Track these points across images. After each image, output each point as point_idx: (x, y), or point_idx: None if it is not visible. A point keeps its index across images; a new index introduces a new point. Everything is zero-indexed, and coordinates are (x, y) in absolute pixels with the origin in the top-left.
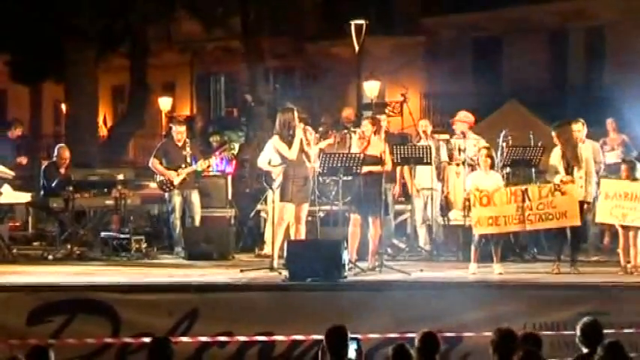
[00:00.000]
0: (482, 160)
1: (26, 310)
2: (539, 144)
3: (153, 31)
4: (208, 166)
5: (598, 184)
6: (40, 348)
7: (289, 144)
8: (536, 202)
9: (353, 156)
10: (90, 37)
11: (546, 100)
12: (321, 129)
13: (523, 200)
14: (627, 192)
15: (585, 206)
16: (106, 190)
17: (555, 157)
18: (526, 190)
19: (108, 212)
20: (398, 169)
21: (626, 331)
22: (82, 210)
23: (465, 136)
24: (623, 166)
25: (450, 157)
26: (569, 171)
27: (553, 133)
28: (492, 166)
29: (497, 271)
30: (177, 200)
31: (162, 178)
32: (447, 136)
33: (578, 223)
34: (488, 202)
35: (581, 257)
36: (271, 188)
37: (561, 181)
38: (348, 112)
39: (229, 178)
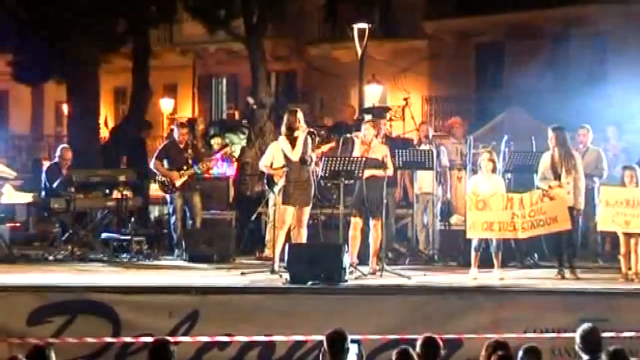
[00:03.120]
0: (485, 164)
1: (27, 310)
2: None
3: (155, 32)
4: (209, 169)
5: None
6: (41, 348)
7: (293, 145)
8: (527, 210)
9: (355, 159)
10: (92, 38)
11: (548, 106)
12: (322, 132)
13: (519, 208)
14: (628, 199)
15: (575, 212)
16: (107, 191)
17: (544, 162)
18: (522, 198)
19: (109, 213)
20: (399, 172)
21: (625, 334)
22: (83, 211)
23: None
24: (627, 172)
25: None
26: (556, 176)
27: (551, 134)
28: (494, 170)
29: (497, 276)
30: (178, 202)
31: (163, 179)
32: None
33: (569, 226)
34: (484, 207)
35: (582, 263)
36: (273, 191)
37: (549, 186)
38: (349, 111)
39: (231, 180)
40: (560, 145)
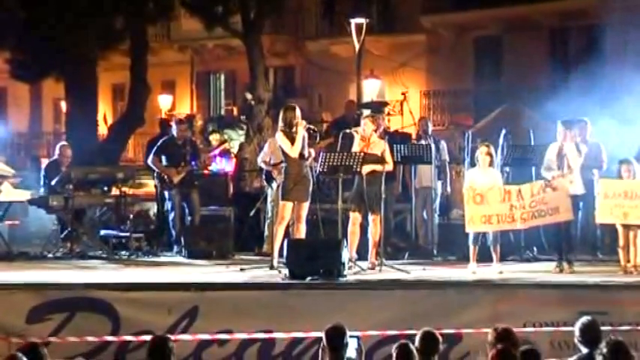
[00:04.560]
0: (482, 158)
1: (26, 308)
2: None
3: (153, 29)
4: (207, 165)
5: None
6: (34, 345)
7: (292, 141)
8: (528, 200)
9: (353, 155)
10: (90, 36)
11: (546, 99)
12: (319, 129)
13: (517, 199)
14: (627, 191)
15: (580, 200)
16: (105, 188)
17: (551, 154)
18: (520, 190)
19: (108, 210)
20: (399, 167)
21: (625, 328)
22: (82, 208)
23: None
24: (624, 166)
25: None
26: (562, 168)
27: (560, 128)
28: (491, 164)
29: (496, 270)
30: (176, 198)
31: (162, 176)
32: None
33: (571, 217)
34: (482, 201)
35: (581, 257)
36: (271, 187)
37: (552, 177)
38: (350, 106)
39: (229, 176)
40: (569, 139)
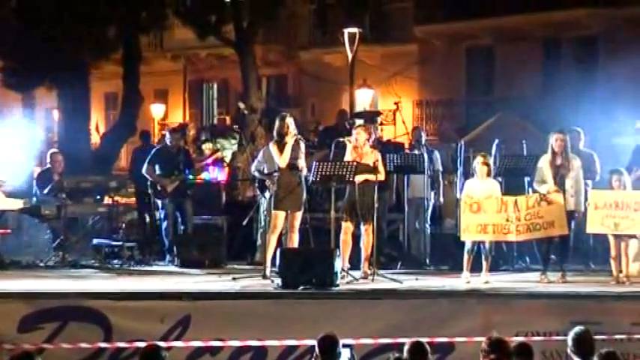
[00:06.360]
0: (479, 168)
1: (17, 317)
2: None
3: (145, 38)
4: (199, 174)
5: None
6: (27, 353)
7: (282, 151)
8: (523, 213)
9: (346, 164)
10: (83, 45)
11: (538, 109)
12: (311, 139)
13: (513, 211)
14: (617, 201)
15: (576, 215)
16: (98, 197)
17: (542, 166)
18: (516, 200)
19: (100, 219)
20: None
21: (618, 337)
22: (75, 217)
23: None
24: (614, 176)
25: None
26: (557, 180)
27: (553, 138)
28: (489, 174)
29: (483, 280)
30: (169, 207)
31: (155, 185)
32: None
33: (566, 232)
34: (478, 210)
35: (574, 267)
36: (264, 196)
37: (547, 191)
38: (343, 116)
39: (222, 185)
40: (562, 148)
